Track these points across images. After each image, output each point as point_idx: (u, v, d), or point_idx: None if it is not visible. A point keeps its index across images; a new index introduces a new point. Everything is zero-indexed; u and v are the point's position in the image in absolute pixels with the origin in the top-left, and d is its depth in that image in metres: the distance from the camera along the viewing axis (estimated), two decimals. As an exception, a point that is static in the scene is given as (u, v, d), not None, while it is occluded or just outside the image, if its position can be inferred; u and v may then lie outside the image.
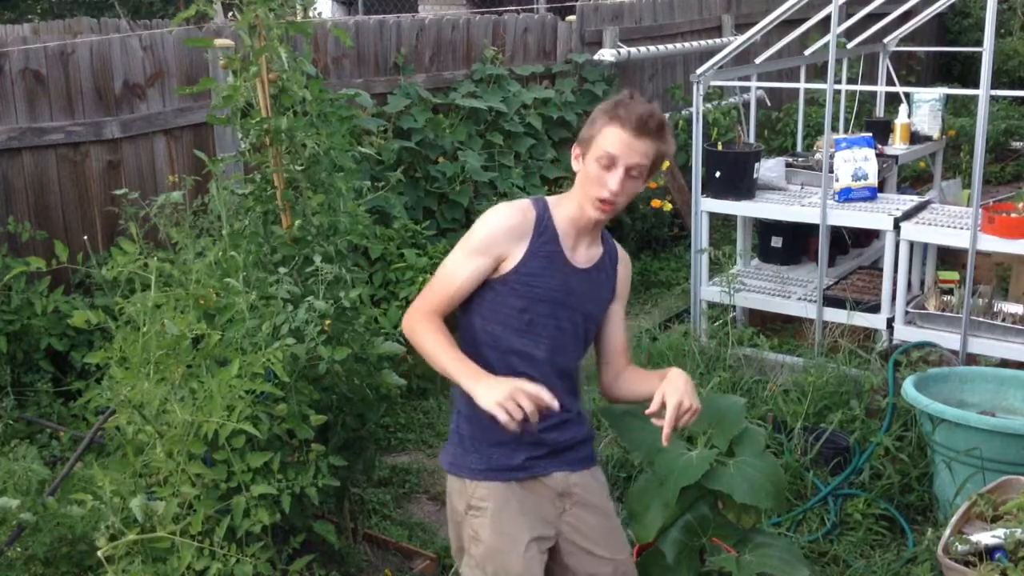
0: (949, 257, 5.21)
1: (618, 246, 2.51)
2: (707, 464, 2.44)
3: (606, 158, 2.24)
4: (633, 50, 7.36)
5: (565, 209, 2.36)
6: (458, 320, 2.40)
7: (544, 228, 2.33)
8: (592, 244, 2.41)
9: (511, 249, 2.30)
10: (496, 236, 2.30)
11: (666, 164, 6.88)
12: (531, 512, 2.36)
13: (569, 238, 2.36)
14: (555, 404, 2.14)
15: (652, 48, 7.65)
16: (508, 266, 2.30)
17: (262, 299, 2.85)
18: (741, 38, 5.13)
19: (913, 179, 8.21)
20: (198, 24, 5.44)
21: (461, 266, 2.30)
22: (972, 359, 4.20)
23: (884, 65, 6.86)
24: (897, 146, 5.93)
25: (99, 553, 2.40)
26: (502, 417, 2.07)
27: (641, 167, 2.27)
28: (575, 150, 2.35)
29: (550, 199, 2.39)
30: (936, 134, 6.19)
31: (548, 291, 2.32)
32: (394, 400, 3.23)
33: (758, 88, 6.57)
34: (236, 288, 2.78)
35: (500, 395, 2.08)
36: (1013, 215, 4.26)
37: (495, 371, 2.24)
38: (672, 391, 2.28)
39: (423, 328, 2.27)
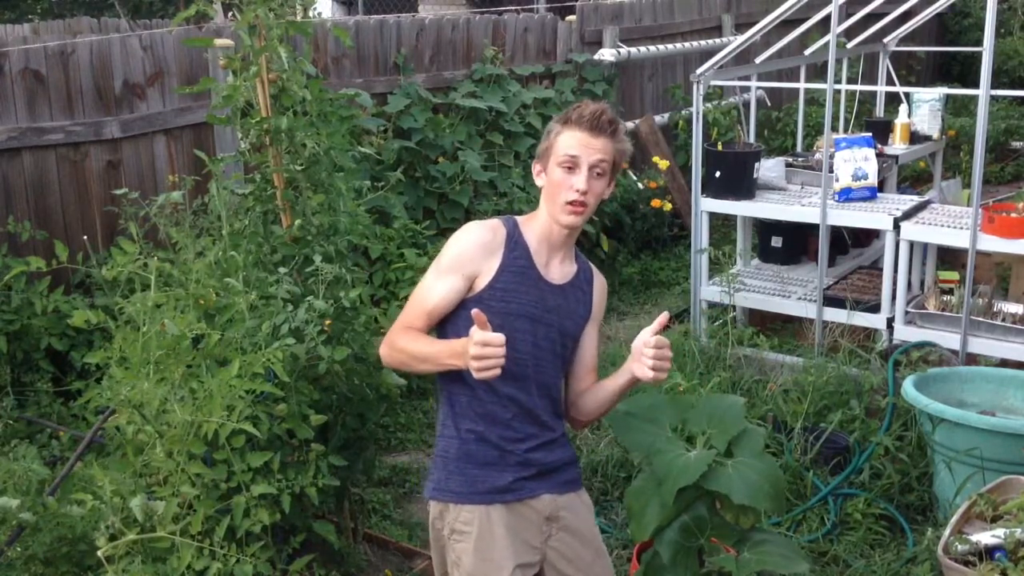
0: (949, 257, 5.21)
1: (592, 267, 2.50)
2: (705, 465, 2.44)
3: (567, 160, 2.26)
4: (633, 50, 7.36)
5: (534, 226, 2.36)
6: None
7: (515, 244, 2.33)
8: (565, 260, 2.40)
9: (482, 265, 2.29)
10: (466, 253, 2.29)
11: (665, 164, 6.90)
12: (516, 537, 2.31)
13: (541, 254, 2.35)
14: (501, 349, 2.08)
15: (652, 48, 7.65)
16: (482, 283, 2.29)
17: (262, 299, 2.85)
18: (741, 38, 5.14)
19: (913, 179, 8.21)
20: (198, 24, 5.44)
21: (434, 286, 2.30)
22: (972, 359, 4.20)
23: (884, 65, 6.86)
24: (897, 146, 5.93)
25: (99, 553, 2.40)
26: (490, 374, 2.08)
27: (603, 164, 2.28)
28: (535, 167, 2.36)
29: (518, 218, 2.39)
30: (936, 134, 6.19)
31: (524, 306, 2.30)
32: (394, 400, 3.23)
33: (758, 88, 6.58)
34: (236, 288, 2.78)
35: (473, 362, 2.08)
36: (1013, 215, 4.26)
37: (471, 392, 2.30)
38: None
39: (397, 340, 2.28)
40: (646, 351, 2.24)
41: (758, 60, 5.68)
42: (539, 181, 2.35)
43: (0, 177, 4.25)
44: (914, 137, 6.04)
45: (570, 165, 2.26)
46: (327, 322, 2.84)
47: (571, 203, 2.27)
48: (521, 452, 2.33)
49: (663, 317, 2.27)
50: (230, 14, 3.30)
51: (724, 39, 8.32)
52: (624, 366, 2.35)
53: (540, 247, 2.35)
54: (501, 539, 2.29)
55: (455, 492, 2.33)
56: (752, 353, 4.60)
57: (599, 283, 2.49)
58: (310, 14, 3.56)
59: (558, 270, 2.38)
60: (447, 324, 2.33)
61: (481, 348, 2.07)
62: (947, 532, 2.99)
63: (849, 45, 6.71)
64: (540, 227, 2.35)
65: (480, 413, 2.32)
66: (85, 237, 4.34)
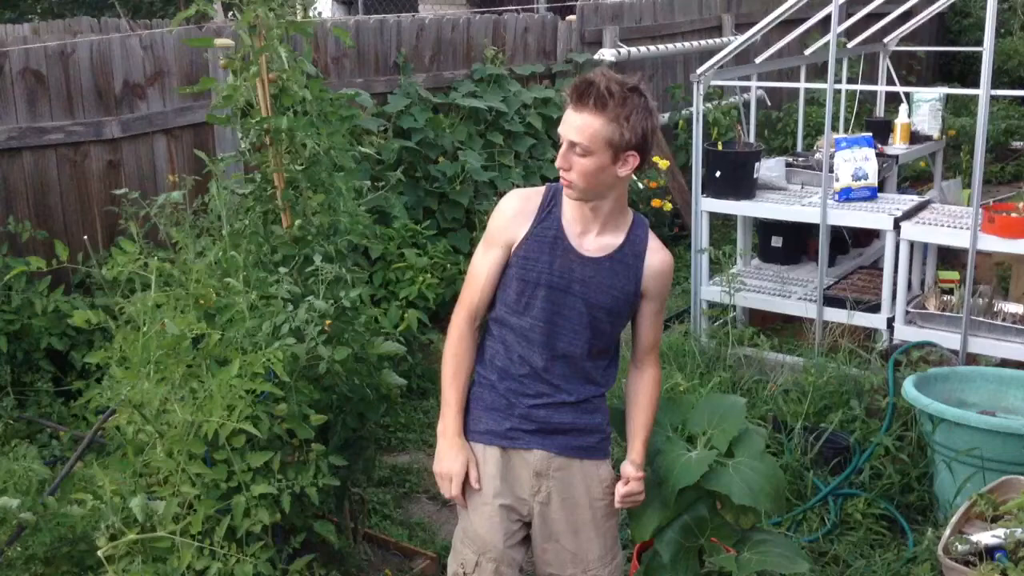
0: (949, 257, 5.22)
1: (652, 243, 2.41)
2: (706, 465, 2.44)
3: (561, 138, 2.27)
4: (633, 50, 7.36)
5: None
6: None
7: (548, 213, 2.35)
8: (605, 233, 2.36)
9: (516, 233, 2.35)
10: (500, 224, 2.38)
11: (665, 163, 6.90)
12: (505, 480, 2.39)
13: (576, 224, 2.35)
14: (452, 494, 2.38)
15: (652, 48, 7.65)
16: (512, 249, 2.36)
17: (262, 299, 2.85)
18: (741, 38, 5.13)
19: (913, 179, 8.21)
20: (198, 24, 5.43)
21: (480, 261, 2.41)
22: (972, 359, 4.20)
23: (884, 65, 6.86)
24: (897, 146, 5.93)
25: (99, 553, 2.40)
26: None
27: (577, 146, 2.21)
28: None
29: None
30: (936, 134, 6.19)
31: (544, 275, 2.33)
32: (394, 400, 3.23)
33: (758, 88, 6.57)
34: (236, 288, 2.78)
35: (436, 470, 2.42)
36: (1013, 215, 4.26)
37: (495, 345, 2.41)
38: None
39: (449, 345, 2.44)
40: (619, 490, 2.41)
41: (758, 60, 5.68)
42: None
43: (0, 177, 4.25)
44: (914, 137, 6.04)
45: (562, 140, 2.26)
46: (327, 322, 2.84)
47: (562, 178, 2.28)
48: (525, 406, 2.38)
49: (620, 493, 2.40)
50: (230, 14, 3.30)
51: (724, 39, 8.31)
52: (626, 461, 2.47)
53: (574, 218, 2.35)
54: (491, 477, 2.38)
55: (470, 429, 2.44)
56: (752, 353, 4.60)
57: (655, 260, 2.40)
58: (310, 14, 3.56)
59: (595, 242, 2.35)
60: (498, 289, 2.41)
61: (439, 473, 2.40)
62: (947, 532, 2.99)
63: (849, 45, 6.71)
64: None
65: (497, 365, 2.41)
66: (85, 237, 4.34)
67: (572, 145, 2.23)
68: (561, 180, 2.30)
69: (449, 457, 2.40)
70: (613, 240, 2.37)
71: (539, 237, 2.34)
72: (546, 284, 2.33)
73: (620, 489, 2.41)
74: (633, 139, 2.22)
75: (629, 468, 2.42)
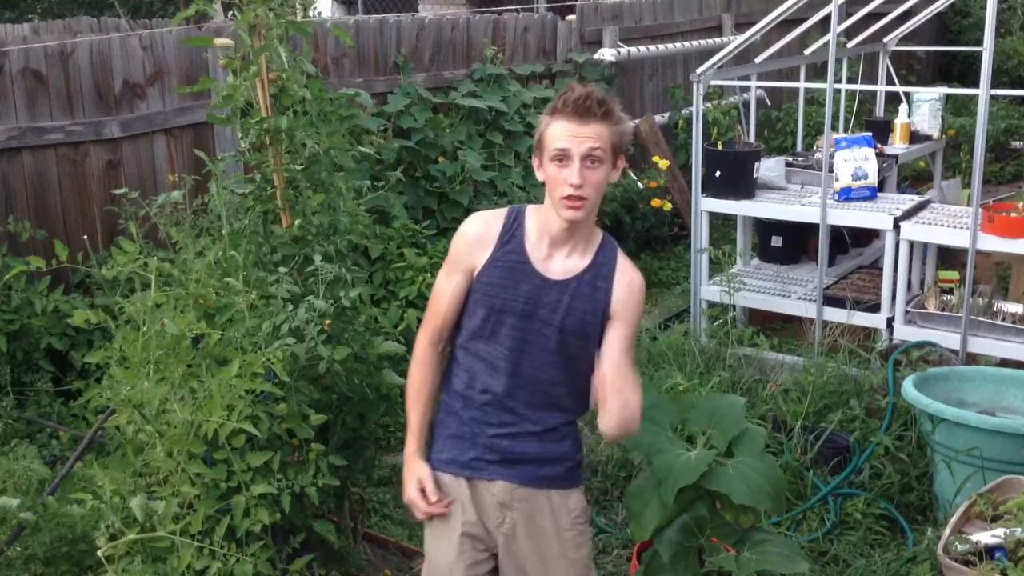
0: (949, 257, 5.21)
1: (621, 262, 2.33)
2: (705, 464, 2.44)
3: (558, 154, 2.16)
4: (633, 49, 7.36)
5: (539, 217, 2.30)
6: None
7: (511, 236, 2.28)
8: (574, 254, 2.29)
9: (477, 259, 2.29)
10: (461, 250, 2.32)
11: (665, 163, 6.90)
12: (475, 511, 2.34)
13: (541, 247, 2.28)
14: (421, 517, 2.35)
15: (652, 48, 7.65)
16: (474, 275, 2.30)
17: (262, 299, 2.85)
18: (741, 38, 5.13)
19: (913, 179, 8.21)
20: (198, 24, 5.43)
21: (443, 287, 2.35)
22: (972, 359, 4.20)
23: (884, 64, 6.86)
24: (897, 146, 5.93)
25: (99, 553, 2.40)
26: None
27: (595, 152, 2.16)
28: (534, 161, 2.27)
29: (530, 206, 2.34)
30: (936, 134, 6.19)
31: (509, 302, 2.26)
32: (394, 400, 3.22)
33: (758, 88, 6.57)
34: (236, 288, 2.78)
35: (404, 486, 2.39)
36: (1013, 215, 4.26)
37: (460, 373, 2.35)
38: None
39: (412, 368, 2.40)
40: None
41: (758, 60, 5.68)
42: (539, 175, 2.27)
43: (0, 177, 4.25)
44: (914, 137, 6.04)
45: (561, 158, 2.16)
46: (327, 322, 2.84)
47: (568, 198, 2.17)
48: (488, 436, 2.33)
49: None
50: (230, 14, 3.30)
51: (724, 39, 8.31)
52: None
53: (541, 240, 2.28)
54: (458, 505, 2.34)
55: (433, 458, 2.40)
56: (752, 353, 4.60)
57: (624, 279, 2.31)
58: (310, 14, 3.56)
59: (561, 264, 2.28)
60: (462, 315, 2.36)
61: (406, 500, 2.37)
62: (947, 532, 2.99)
63: (849, 45, 6.71)
64: (542, 219, 2.29)
65: (462, 394, 2.36)
66: (85, 237, 4.34)
67: (586, 157, 2.15)
68: (571, 203, 2.18)
69: (406, 480, 2.39)
70: (580, 262, 2.29)
71: (502, 263, 2.27)
72: (511, 311, 2.27)
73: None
74: (625, 141, 2.25)
75: None
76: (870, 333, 4.67)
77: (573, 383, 2.35)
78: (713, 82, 5.21)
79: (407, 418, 2.41)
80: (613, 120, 2.18)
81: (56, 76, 4.37)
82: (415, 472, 2.36)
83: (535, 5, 10.89)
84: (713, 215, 5.13)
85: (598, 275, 2.30)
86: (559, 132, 2.17)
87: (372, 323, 3.31)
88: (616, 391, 2.22)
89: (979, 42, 4.50)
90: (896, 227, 4.47)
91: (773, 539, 2.62)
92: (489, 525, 2.35)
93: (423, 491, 2.34)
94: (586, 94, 2.16)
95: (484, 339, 2.30)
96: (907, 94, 6.24)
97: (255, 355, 2.61)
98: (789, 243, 5.48)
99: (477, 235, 2.30)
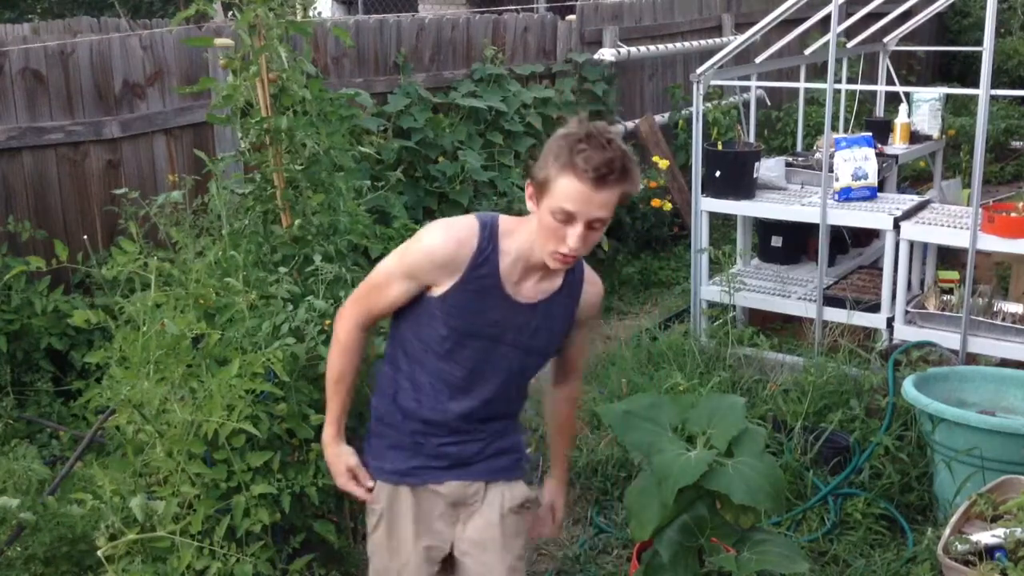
0: (949, 257, 5.21)
1: (588, 277, 2.28)
2: (705, 464, 2.44)
3: (563, 216, 2.00)
4: (633, 49, 7.36)
5: (518, 240, 2.14)
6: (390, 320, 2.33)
7: (484, 260, 2.12)
8: (546, 279, 2.20)
9: (440, 279, 2.14)
10: (425, 265, 2.14)
11: (665, 163, 6.90)
12: (421, 520, 2.31)
13: (515, 272, 2.15)
14: (361, 494, 2.34)
15: (652, 48, 7.65)
16: (436, 292, 2.15)
17: (262, 299, 2.85)
18: (741, 38, 5.13)
19: (913, 179, 8.21)
20: (198, 24, 5.43)
21: (391, 284, 2.19)
22: (972, 358, 4.20)
23: (884, 64, 6.86)
24: (897, 146, 5.93)
25: (99, 553, 2.40)
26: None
27: (603, 219, 2.03)
28: (528, 188, 2.09)
29: (504, 222, 2.16)
30: (936, 134, 6.19)
31: (476, 326, 2.16)
32: (394, 399, 3.22)
33: (758, 88, 6.57)
34: (236, 288, 2.78)
35: (334, 476, 2.38)
36: (1013, 215, 4.26)
37: (401, 382, 2.27)
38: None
39: (335, 345, 2.31)
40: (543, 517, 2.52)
41: (758, 60, 5.68)
42: (530, 206, 2.09)
43: (0, 177, 4.25)
44: (914, 137, 6.04)
45: (564, 219, 2.00)
46: (327, 322, 2.84)
47: (561, 254, 2.04)
48: (434, 445, 2.28)
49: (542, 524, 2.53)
50: (230, 14, 3.30)
51: (724, 39, 8.31)
52: (549, 480, 2.56)
53: (515, 265, 2.14)
54: (406, 519, 2.31)
55: (371, 466, 2.35)
56: (752, 353, 4.60)
57: (591, 291, 2.28)
58: (310, 14, 3.56)
59: (533, 288, 2.18)
60: (402, 310, 2.23)
61: (342, 486, 2.38)
62: (947, 532, 2.99)
63: (849, 45, 6.71)
64: (523, 245, 2.13)
65: (403, 405, 2.28)
66: (85, 237, 4.34)
67: (592, 224, 2.02)
68: (561, 259, 2.06)
69: (335, 469, 2.36)
70: (551, 284, 2.20)
71: (471, 287, 2.13)
72: (477, 335, 2.17)
73: (544, 517, 2.52)
74: (634, 192, 2.13)
75: (554, 491, 2.55)
76: (870, 333, 4.67)
77: (522, 392, 2.36)
78: (713, 82, 5.21)
79: (326, 402, 2.34)
80: (628, 181, 2.04)
81: (56, 76, 4.37)
82: (342, 460, 2.34)
83: (535, 5, 10.89)
84: (713, 215, 5.13)
85: (569, 294, 2.24)
86: (570, 192, 1.98)
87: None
88: (577, 378, 2.47)
89: (979, 42, 4.50)
90: (896, 227, 4.47)
91: (773, 539, 2.62)
92: (439, 527, 2.33)
93: (355, 478, 2.33)
94: (609, 161, 1.97)
95: (441, 356, 2.20)
96: (907, 94, 6.24)
97: (255, 355, 2.61)
98: (789, 243, 5.48)
99: (446, 258, 2.12)
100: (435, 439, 2.27)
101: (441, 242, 2.13)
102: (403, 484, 2.31)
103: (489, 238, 2.13)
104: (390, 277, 2.20)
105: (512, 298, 2.17)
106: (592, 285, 2.29)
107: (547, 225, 2.03)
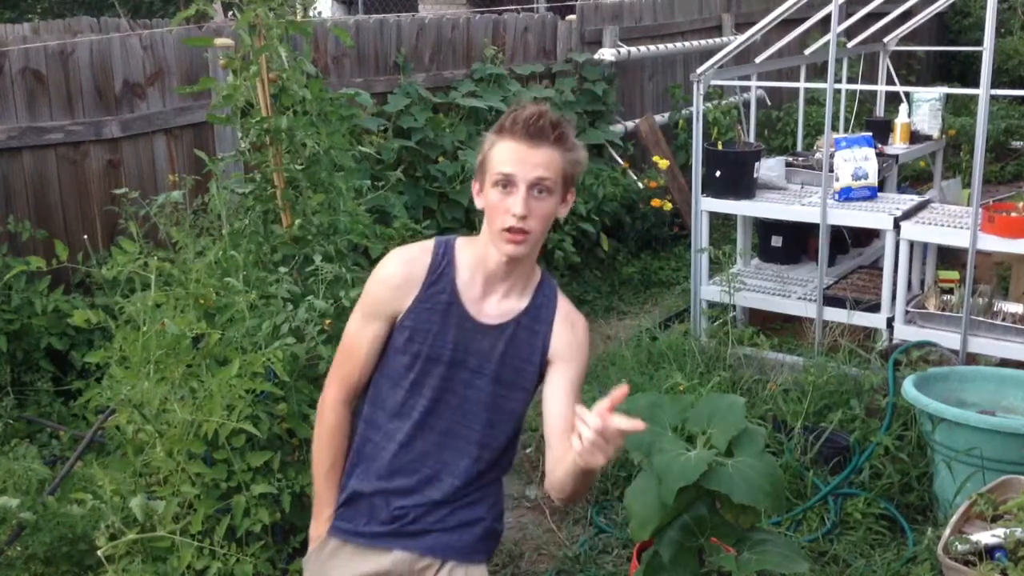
0: (949, 257, 5.22)
1: (561, 303, 2.10)
2: (705, 464, 2.44)
3: (502, 179, 1.92)
4: (633, 49, 7.36)
5: (474, 248, 2.05)
6: None
7: (439, 276, 2.03)
8: (510, 295, 2.06)
9: (400, 304, 2.04)
10: (381, 297, 2.06)
11: (665, 163, 6.90)
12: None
13: (474, 287, 2.04)
14: None
15: (652, 47, 7.65)
16: (398, 320, 2.05)
17: (262, 298, 2.85)
18: (741, 38, 5.14)
19: (913, 179, 8.21)
20: (198, 24, 5.43)
21: (358, 333, 2.09)
22: (972, 358, 4.20)
23: (884, 64, 6.86)
24: (897, 145, 5.93)
25: (99, 552, 2.40)
26: None
27: (544, 182, 1.93)
28: (474, 186, 2.02)
29: (461, 240, 2.09)
30: (936, 133, 6.19)
31: (436, 349, 2.03)
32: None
33: (758, 88, 6.57)
34: (236, 287, 2.79)
35: None
36: (1013, 215, 4.26)
37: (369, 430, 2.10)
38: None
39: (322, 432, 2.14)
40: (583, 430, 1.74)
41: (758, 60, 5.68)
42: (478, 202, 2.01)
43: (0, 177, 4.25)
44: (914, 137, 6.04)
45: (505, 183, 1.92)
46: (327, 322, 2.84)
47: (509, 230, 1.92)
48: (390, 510, 2.07)
49: (621, 391, 1.75)
50: (230, 14, 3.30)
51: (724, 39, 8.32)
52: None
53: (474, 278, 2.04)
54: (340, 571, 2.10)
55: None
56: (752, 353, 4.60)
57: (565, 319, 2.07)
58: (310, 14, 3.56)
59: (497, 307, 2.05)
60: (376, 371, 2.10)
61: None
62: (947, 532, 2.99)
63: (849, 45, 6.71)
64: (478, 250, 2.03)
65: (365, 452, 2.12)
66: (85, 237, 4.34)
67: (534, 186, 1.92)
68: (512, 236, 1.94)
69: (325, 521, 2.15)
70: (517, 304, 2.06)
71: (429, 305, 2.02)
72: (438, 359, 2.02)
73: (590, 425, 1.73)
74: (579, 172, 2.02)
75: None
76: (870, 333, 4.68)
77: (495, 439, 2.10)
78: (713, 82, 5.21)
79: (316, 491, 2.15)
80: (567, 146, 1.95)
81: (56, 76, 4.37)
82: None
83: (535, 5, 10.89)
84: (713, 215, 5.13)
85: (537, 318, 2.07)
86: (505, 154, 1.93)
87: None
88: (567, 448, 1.85)
89: (979, 42, 4.50)
90: (896, 227, 4.47)
91: (773, 539, 2.61)
92: None
93: None
94: (538, 113, 1.92)
95: (405, 390, 2.05)
96: (907, 94, 6.24)
97: (255, 355, 2.62)
98: (789, 243, 5.48)
99: (400, 278, 2.04)
100: (395, 498, 2.07)
101: (394, 266, 2.07)
102: (348, 542, 2.11)
103: (444, 253, 2.06)
104: (357, 329, 2.10)
105: (474, 317, 2.04)
106: (566, 316, 2.09)
107: (492, 203, 1.95)
